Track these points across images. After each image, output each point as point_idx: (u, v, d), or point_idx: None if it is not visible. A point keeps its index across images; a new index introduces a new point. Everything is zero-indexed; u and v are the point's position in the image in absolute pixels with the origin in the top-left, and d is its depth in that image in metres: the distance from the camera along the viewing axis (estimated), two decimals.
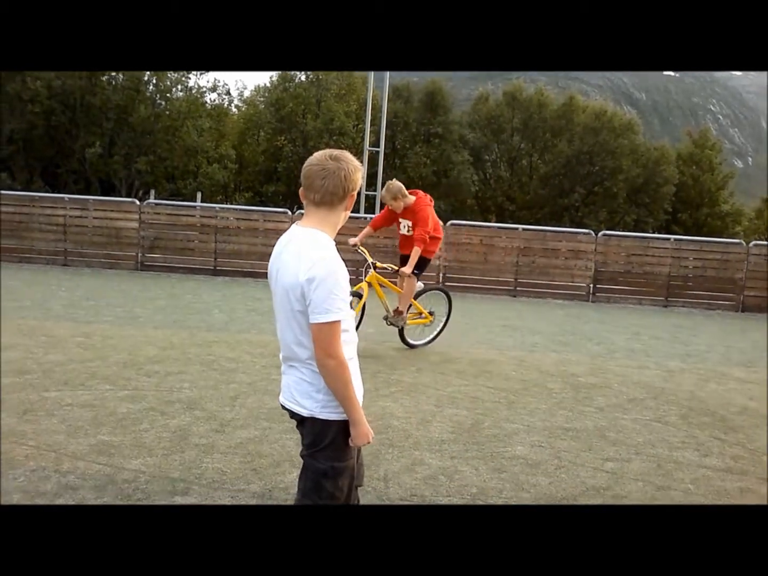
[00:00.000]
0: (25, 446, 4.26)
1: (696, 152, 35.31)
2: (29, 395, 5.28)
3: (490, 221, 29.62)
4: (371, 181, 18.27)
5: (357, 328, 5.54)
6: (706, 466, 4.69)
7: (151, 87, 28.75)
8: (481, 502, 3.89)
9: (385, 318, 7.54)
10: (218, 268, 14.57)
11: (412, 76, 35.15)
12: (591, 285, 14.63)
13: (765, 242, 15.29)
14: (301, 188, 2.47)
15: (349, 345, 2.47)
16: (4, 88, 25.28)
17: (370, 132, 16.56)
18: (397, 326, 7.57)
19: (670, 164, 32.91)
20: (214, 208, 16.22)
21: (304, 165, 2.46)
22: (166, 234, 14.67)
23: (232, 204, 29.15)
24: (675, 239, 15.40)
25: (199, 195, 23.96)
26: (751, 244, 14.66)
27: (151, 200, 19.35)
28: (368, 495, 3.80)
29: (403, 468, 4.30)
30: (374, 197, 16.63)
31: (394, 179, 7.68)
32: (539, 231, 15.84)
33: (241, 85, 62.09)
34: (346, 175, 2.41)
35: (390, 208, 7.52)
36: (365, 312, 7.42)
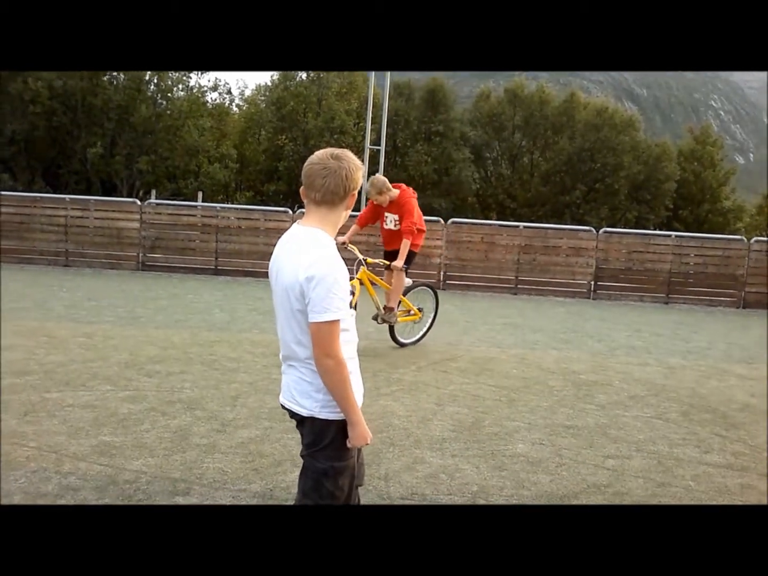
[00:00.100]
0: (26, 447, 4.27)
1: (697, 148, 35.28)
2: (30, 396, 5.29)
3: (491, 219, 29.64)
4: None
5: None
6: (707, 463, 4.69)
7: (152, 87, 28.79)
8: (482, 501, 3.89)
9: (376, 317, 7.52)
10: (219, 267, 14.58)
11: (413, 74, 35.13)
12: (592, 282, 14.62)
13: (766, 239, 15.26)
14: (302, 187, 2.47)
15: (349, 344, 2.47)
16: (6, 89, 25.31)
17: (371, 130, 16.55)
18: (389, 322, 7.55)
19: (672, 161, 32.89)
20: (215, 207, 16.24)
21: (305, 164, 2.46)
22: (168, 234, 14.69)
23: (233, 203, 29.20)
24: (676, 236, 15.39)
25: (200, 195, 23.97)
26: (752, 241, 14.65)
27: (153, 200, 19.36)
28: (369, 494, 3.81)
29: (404, 467, 4.31)
30: None
31: (377, 174, 7.68)
32: (540, 228, 15.84)
33: (242, 84, 62.37)
34: (347, 174, 2.41)
35: (375, 203, 7.52)
36: (356, 310, 7.43)
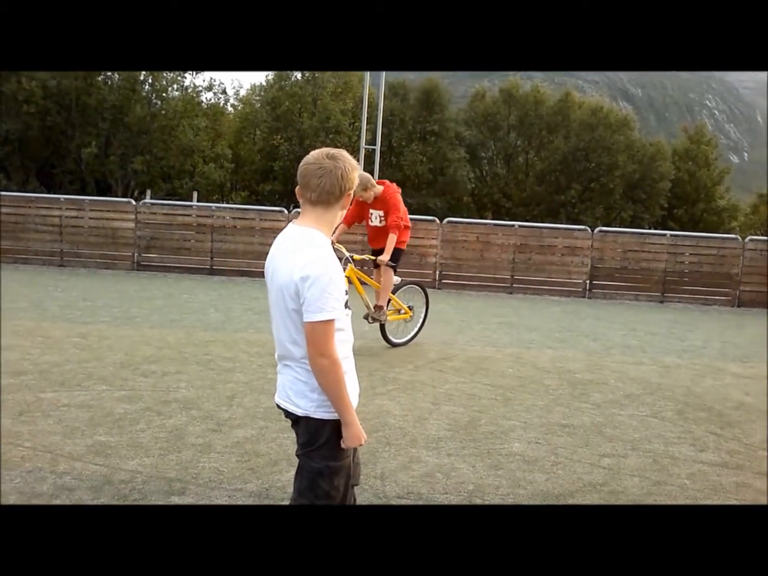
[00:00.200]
0: (21, 447, 4.25)
1: (692, 148, 35.38)
2: (25, 396, 5.27)
3: (486, 218, 29.66)
4: None
5: None
6: (703, 462, 4.71)
7: (146, 87, 28.75)
8: (477, 500, 3.90)
9: (366, 316, 7.51)
10: (215, 267, 14.56)
11: (408, 74, 35.12)
12: (587, 281, 14.64)
13: (761, 237, 15.32)
14: (298, 187, 2.47)
15: (345, 344, 2.47)
16: (0, 88, 25.25)
17: (367, 130, 16.55)
18: (380, 321, 7.51)
19: (666, 160, 32.98)
20: (211, 207, 16.20)
21: (301, 164, 2.45)
22: (163, 234, 14.66)
23: (228, 203, 29.16)
24: (671, 235, 15.43)
25: (195, 194, 23.96)
26: (747, 240, 14.70)
27: (147, 200, 19.34)
28: (365, 493, 3.81)
29: (400, 466, 4.31)
30: None
31: (361, 171, 7.65)
32: (535, 228, 15.87)
33: (237, 84, 62.31)
34: (342, 174, 2.41)
35: (360, 199, 7.49)
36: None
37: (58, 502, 3.56)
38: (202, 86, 30.86)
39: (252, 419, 5.03)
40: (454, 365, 7.18)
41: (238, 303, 10.82)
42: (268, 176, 30.93)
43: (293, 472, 2.59)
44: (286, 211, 14.94)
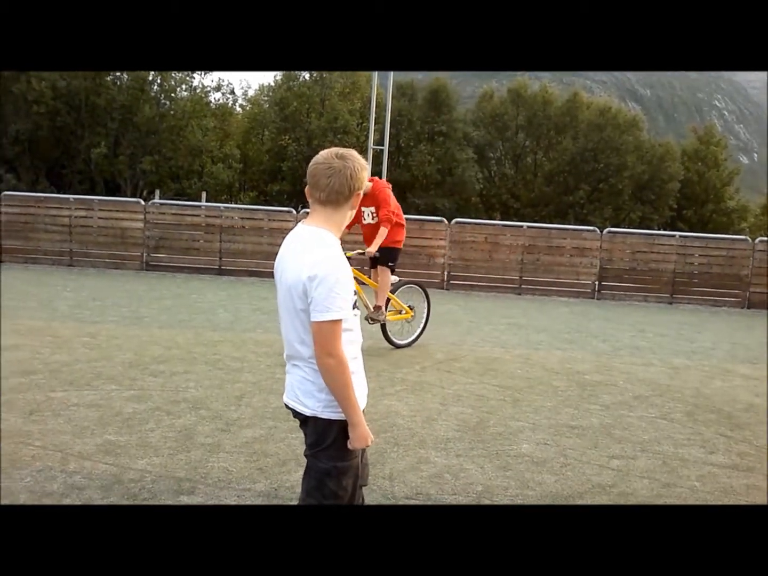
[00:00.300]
0: (31, 446, 4.27)
1: (701, 148, 35.21)
2: (35, 395, 5.30)
3: (494, 219, 29.58)
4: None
5: None
6: (712, 463, 4.68)
7: (155, 87, 28.82)
8: (486, 501, 3.89)
9: (366, 317, 7.48)
10: (223, 267, 14.60)
11: (416, 74, 35.12)
12: (596, 282, 14.61)
13: None
14: (307, 187, 2.47)
15: (353, 344, 2.47)
16: (9, 89, 25.37)
17: (375, 130, 16.54)
18: (379, 321, 7.47)
19: (675, 161, 32.84)
20: (219, 207, 16.24)
21: (310, 163, 2.45)
22: (171, 234, 14.72)
23: (236, 203, 29.20)
24: (680, 236, 15.38)
25: (203, 195, 24.00)
26: (756, 241, 14.62)
27: (156, 200, 19.39)
28: (373, 494, 3.81)
29: (409, 466, 4.31)
30: None
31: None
32: (544, 228, 15.84)
33: (245, 84, 62.35)
34: (352, 173, 2.40)
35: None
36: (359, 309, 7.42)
37: (68, 501, 3.57)
38: (210, 87, 30.90)
39: (261, 419, 5.03)
40: (463, 366, 7.17)
41: (247, 303, 10.84)
42: (277, 176, 30.96)
43: (302, 472, 2.59)
44: (294, 212, 14.96)
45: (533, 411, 5.68)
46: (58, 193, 22.75)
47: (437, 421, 5.26)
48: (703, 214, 34.16)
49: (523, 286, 14.58)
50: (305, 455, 2.56)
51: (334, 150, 2.45)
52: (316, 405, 2.44)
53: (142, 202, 15.22)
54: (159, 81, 28.66)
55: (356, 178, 2.42)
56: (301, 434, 2.59)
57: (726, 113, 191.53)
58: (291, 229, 2.59)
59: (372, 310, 7.42)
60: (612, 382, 6.82)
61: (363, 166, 2.46)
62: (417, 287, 8.32)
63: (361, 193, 2.51)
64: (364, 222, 7.57)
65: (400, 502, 3.79)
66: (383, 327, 7.64)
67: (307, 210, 2.59)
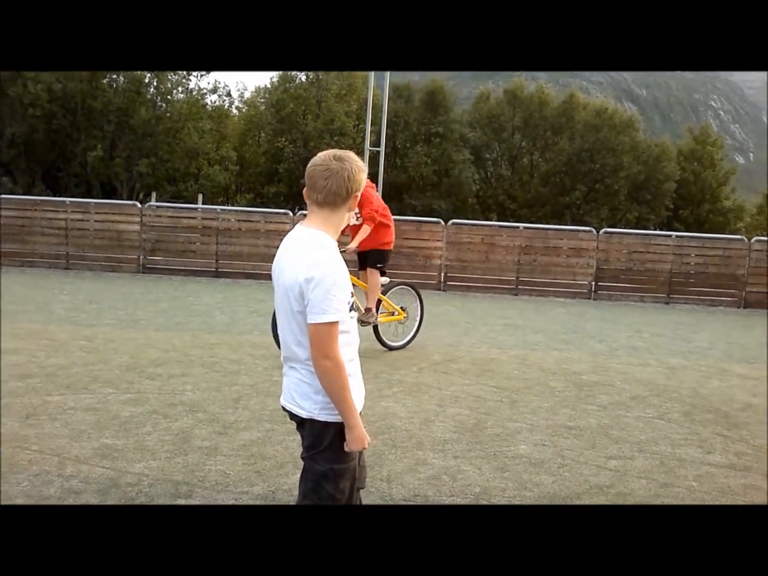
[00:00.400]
0: (28, 451, 4.26)
1: (697, 148, 35.26)
2: (32, 399, 5.29)
3: (491, 220, 29.63)
4: (372, 180, 18.22)
5: None
6: (710, 463, 4.69)
7: (151, 89, 28.78)
8: (484, 502, 3.89)
9: (357, 320, 7.40)
10: (220, 270, 14.58)
11: (412, 76, 35.17)
12: (593, 283, 14.62)
13: (767, 238, 15.26)
14: (305, 188, 2.47)
15: (350, 346, 2.47)
16: (5, 92, 25.34)
17: (371, 132, 16.53)
18: (369, 323, 7.40)
19: (671, 161, 32.86)
20: (216, 209, 16.21)
21: (308, 165, 2.45)
22: (168, 236, 14.70)
23: (233, 206, 29.17)
24: (677, 236, 15.39)
25: (200, 197, 23.99)
26: (753, 240, 14.65)
27: (153, 203, 19.36)
28: (371, 496, 3.81)
29: (406, 468, 4.30)
30: None
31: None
32: (540, 229, 15.85)
33: (241, 86, 62.14)
34: (349, 175, 2.40)
35: None
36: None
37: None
38: (206, 89, 30.85)
39: (258, 422, 5.03)
40: (460, 367, 7.17)
41: (244, 305, 10.83)
42: (273, 178, 30.95)
43: (299, 474, 2.58)
44: (291, 214, 14.95)
45: (530, 412, 5.68)
46: (54, 196, 22.76)
47: (435, 422, 5.26)
48: (699, 214, 34.19)
49: (519, 287, 14.59)
50: (302, 458, 2.56)
51: (332, 152, 2.45)
52: (313, 407, 2.43)
53: (139, 205, 15.20)
54: (155, 83, 28.63)
55: (354, 180, 2.42)
56: (299, 437, 2.58)
57: (722, 113, 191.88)
58: (288, 231, 2.59)
59: (363, 312, 7.40)
60: (609, 383, 6.83)
61: (361, 167, 2.45)
62: (408, 288, 8.26)
63: (359, 194, 2.50)
64: (351, 223, 7.54)
65: (398, 504, 3.78)
66: (375, 329, 7.60)
67: (304, 212, 2.60)
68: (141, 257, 14.68)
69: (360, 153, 19.43)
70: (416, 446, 4.71)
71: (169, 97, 28.96)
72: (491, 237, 14.99)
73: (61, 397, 5.38)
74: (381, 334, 7.70)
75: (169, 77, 28.56)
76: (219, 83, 37.29)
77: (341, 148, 2.61)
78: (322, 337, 2.32)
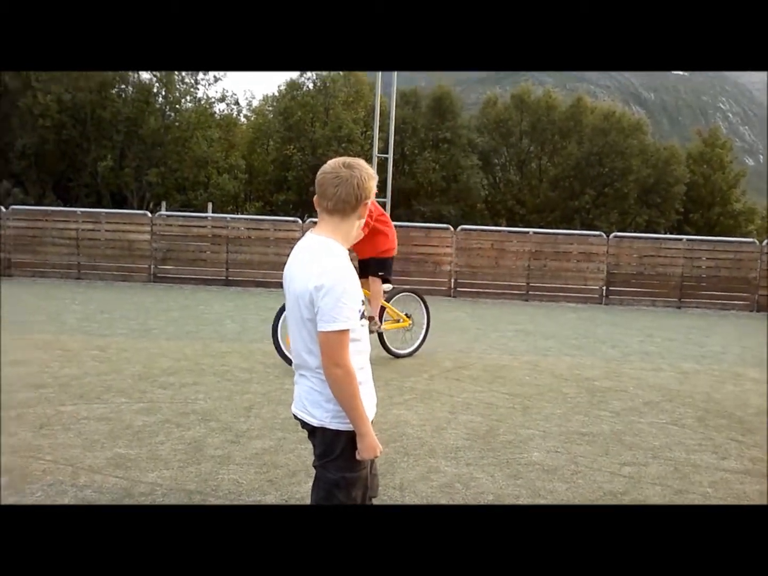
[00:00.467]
0: (41, 461, 4.28)
1: (706, 151, 35.15)
2: (45, 409, 5.31)
3: (500, 225, 29.59)
4: (380, 187, 18.20)
5: None
6: (725, 469, 4.65)
7: (160, 99, 28.95)
8: None
9: None
10: (230, 278, 14.62)
11: (419, 82, 35.27)
12: (603, 287, 14.57)
13: None
14: (316, 196, 2.47)
15: (361, 354, 2.46)
16: (16, 104, 25.56)
17: (379, 139, 16.55)
18: (373, 331, 7.26)
19: (681, 164, 32.77)
20: (225, 218, 16.29)
21: (318, 172, 2.45)
22: (178, 245, 14.76)
23: (242, 214, 29.28)
24: (687, 239, 15.32)
25: (210, 206, 24.07)
26: (764, 243, 14.55)
27: (163, 212, 19.45)
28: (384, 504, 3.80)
29: (419, 476, 4.29)
30: (384, 204, 16.61)
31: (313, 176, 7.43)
32: (550, 234, 15.81)
33: (249, 95, 62.60)
34: (359, 183, 2.39)
35: None
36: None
37: None
38: (215, 98, 31.00)
39: (270, 430, 5.03)
40: (471, 374, 7.15)
41: (254, 314, 10.86)
42: (282, 186, 31.05)
43: (312, 483, 2.58)
44: (300, 221, 14.98)
45: (543, 418, 5.66)
46: (65, 206, 22.88)
47: (447, 429, 5.25)
48: (709, 217, 34.04)
49: (530, 293, 14.55)
50: (314, 466, 2.56)
51: (342, 159, 2.45)
52: (324, 415, 2.43)
53: (149, 214, 15.27)
54: (164, 93, 28.81)
55: (363, 188, 2.41)
56: (311, 445, 2.58)
57: (731, 115, 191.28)
58: (297, 239, 2.59)
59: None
60: (622, 388, 6.79)
61: (371, 175, 2.45)
62: (413, 295, 8.20)
63: (369, 202, 2.50)
64: None
65: (406, 504, 3.77)
66: (381, 337, 7.55)
67: (313, 219, 2.60)
68: (152, 266, 14.74)
69: (368, 160, 19.46)
70: (428, 454, 4.70)
71: (177, 106, 29.13)
72: (501, 242, 14.96)
73: (74, 407, 5.40)
74: (387, 342, 7.65)
75: (177, 87, 28.74)
76: (227, 92, 37.42)
77: (349, 155, 2.60)
78: (332, 345, 2.31)
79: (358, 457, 2.42)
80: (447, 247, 14.53)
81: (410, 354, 7.93)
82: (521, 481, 4.29)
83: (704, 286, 14.50)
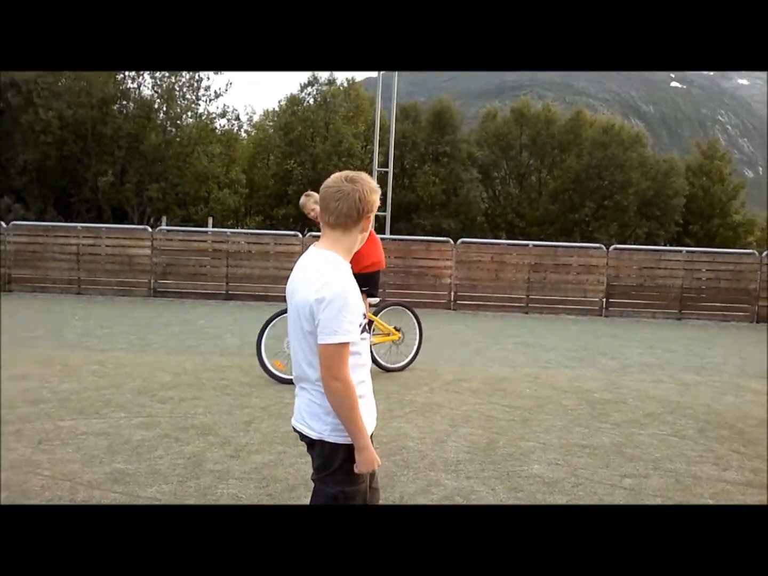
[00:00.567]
0: (40, 476, 4.27)
1: (705, 163, 35.27)
2: (44, 424, 5.30)
3: (500, 238, 29.62)
4: (381, 201, 18.19)
5: None
6: (726, 480, 4.63)
7: (161, 114, 29.07)
8: None
9: None
10: (230, 292, 14.62)
11: (419, 97, 35.40)
12: (603, 299, 14.56)
13: None
14: (318, 210, 2.48)
15: (362, 367, 2.46)
16: (17, 120, 25.69)
17: (379, 153, 16.64)
18: None
19: (680, 176, 32.87)
20: (226, 232, 16.31)
21: (321, 187, 2.46)
22: (179, 260, 14.77)
23: (243, 228, 29.31)
24: (687, 251, 15.34)
25: (210, 220, 24.12)
26: (764, 254, 14.55)
27: (163, 227, 19.51)
28: None
29: (419, 489, 4.28)
30: (384, 218, 16.67)
31: (309, 190, 7.39)
32: (550, 247, 15.84)
33: (250, 110, 62.72)
34: (360, 197, 2.40)
35: (313, 214, 6.92)
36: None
37: None
38: (215, 113, 31.13)
39: (270, 444, 5.02)
40: (471, 386, 7.14)
41: (254, 328, 10.79)
42: (282, 201, 31.12)
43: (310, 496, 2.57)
44: (300, 235, 14.99)
45: (543, 431, 5.65)
46: (66, 221, 22.90)
47: (447, 442, 5.23)
48: (709, 229, 34.11)
49: (530, 305, 14.54)
50: (312, 479, 2.55)
51: (344, 173, 2.46)
52: (323, 428, 2.43)
53: (149, 229, 15.30)
54: (165, 108, 28.92)
55: (365, 201, 2.42)
56: (310, 459, 2.57)
57: (729, 127, 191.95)
58: (297, 253, 2.61)
59: None
60: (622, 400, 6.78)
61: (373, 188, 2.46)
62: (402, 308, 8.10)
63: (372, 216, 2.51)
64: None
65: (402, 504, 3.75)
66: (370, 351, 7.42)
67: (313, 233, 2.60)
68: (152, 281, 14.74)
69: (369, 174, 19.57)
70: (429, 467, 4.68)
71: (178, 122, 29.22)
72: (501, 255, 14.97)
73: (73, 422, 5.39)
74: (376, 356, 7.45)
75: (179, 102, 28.85)
76: (228, 107, 37.51)
77: (350, 170, 2.61)
78: (332, 357, 2.32)
79: (356, 470, 2.41)
80: (447, 260, 14.54)
81: (402, 368, 7.81)
82: (522, 494, 4.27)
83: (704, 298, 14.50)
